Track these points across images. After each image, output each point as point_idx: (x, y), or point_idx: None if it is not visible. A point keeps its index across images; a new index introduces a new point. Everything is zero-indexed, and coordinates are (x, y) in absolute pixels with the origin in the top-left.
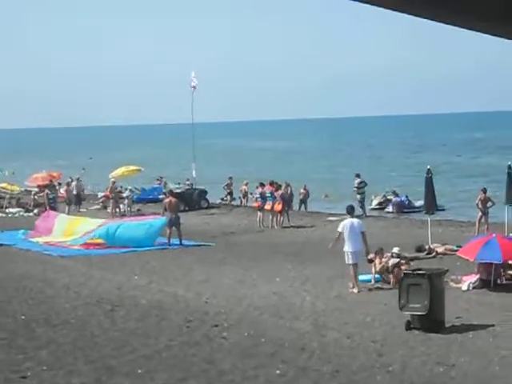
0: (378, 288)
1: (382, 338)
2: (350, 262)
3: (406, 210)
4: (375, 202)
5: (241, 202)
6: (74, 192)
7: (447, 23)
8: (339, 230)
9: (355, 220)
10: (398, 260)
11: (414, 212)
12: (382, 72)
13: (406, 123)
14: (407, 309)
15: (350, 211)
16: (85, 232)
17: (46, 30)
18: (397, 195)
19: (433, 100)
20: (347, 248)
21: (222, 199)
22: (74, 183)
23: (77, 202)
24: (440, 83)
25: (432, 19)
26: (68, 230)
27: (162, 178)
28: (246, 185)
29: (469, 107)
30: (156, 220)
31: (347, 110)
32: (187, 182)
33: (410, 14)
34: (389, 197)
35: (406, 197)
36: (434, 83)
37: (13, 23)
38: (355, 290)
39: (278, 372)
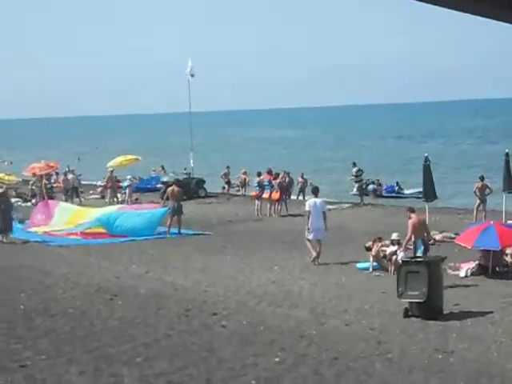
0: (376, 276)
1: (381, 325)
2: (310, 237)
3: (394, 195)
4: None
5: (239, 191)
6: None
7: (464, 11)
8: (306, 208)
9: (318, 200)
10: (396, 247)
11: (403, 198)
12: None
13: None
14: (405, 296)
15: (315, 191)
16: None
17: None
18: (373, 183)
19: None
20: (309, 225)
21: (224, 188)
22: (70, 175)
23: (76, 194)
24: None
25: (447, 7)
26: (72, 221)
27: (163, 166)
28: (245, 174)
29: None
30: (157, 210)
31: (353, 98)
32: (184, 171)
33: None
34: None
35: (397, 183)
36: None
37: None
38: (311, 259)
39: (276, 360)
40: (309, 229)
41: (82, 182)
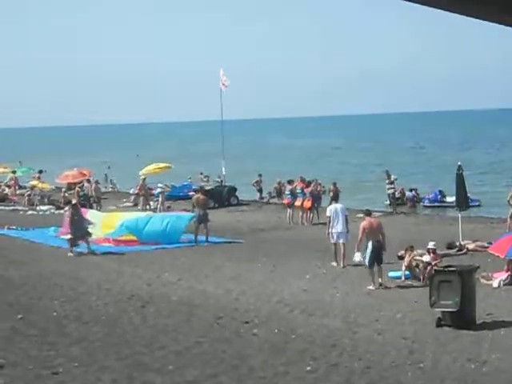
0: (408, 285)
1: (413, 334)
2: (333, 241)
3: (437, 205)
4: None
5: (274, 198)
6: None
7: (473, 16)
8: (327, 214)
9: (339, 205)
10: (430, 258)
11: (446, 207)
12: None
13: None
14: (438, 305)
15: (335, 197)
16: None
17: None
18: (410, 190)
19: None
20: (330, 229)
21: (270, 194)
22: (93, 185)
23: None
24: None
25: (457, 12)
26: (102, 227)
27: (202, 173)
28: (279, 183)
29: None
30: (183, 214)
31: (377, 107)
32: (217, 179)
33: (435, 7)
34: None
35: (440, 191)
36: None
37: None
38: (334, 264)
39: (308, 368)
40: (329, 233)
41: (116, 190)
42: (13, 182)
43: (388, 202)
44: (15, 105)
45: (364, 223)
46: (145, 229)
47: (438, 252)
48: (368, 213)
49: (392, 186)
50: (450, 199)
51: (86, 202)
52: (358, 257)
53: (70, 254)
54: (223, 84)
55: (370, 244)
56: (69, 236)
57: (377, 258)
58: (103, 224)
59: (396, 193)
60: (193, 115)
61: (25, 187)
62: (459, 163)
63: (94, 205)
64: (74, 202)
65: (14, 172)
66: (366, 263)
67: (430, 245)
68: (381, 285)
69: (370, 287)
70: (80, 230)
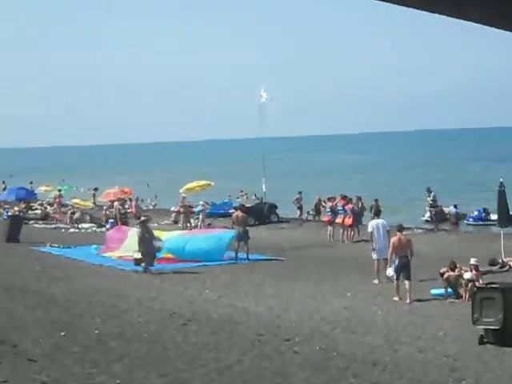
0: (450, 302)
1: (455, 352)
2: (375, 256)
3: (481, 223)
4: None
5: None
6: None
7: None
8: (369, 230)
9: (380, 221)
10: (472, 275)
11: (490, 225)
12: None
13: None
14: (480, 323)
15: (377, 213)
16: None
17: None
18: (455, 206)
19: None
20: (374, 245)
21: (308, 213)
22: (134, 203)
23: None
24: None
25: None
26: None
27: (242, 191)
28: (319, 200)
29: None
30: (225, 233)
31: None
32: (253, 197)
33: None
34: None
35: (484, 209)
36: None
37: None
38: (376, 281)
39: None
40: (374, 248)
41: (157, 207)
42: (57, 200)
43: (425, 219)
44: (64, 122)
45: (394, 239)
46: (185, 248)
47: (481, 269)
48: (400, 228)
49: (433, 202)
50: (495, 217)
51: (127, 219)
52: (390, 272)
53: (138, 272)
54: (264, 102)
55: (397, 260)
56: (137, 255)
57: (404, 273)
58: None
59: (437, 210)
60: (233, 133)
61: (67, 205)
62: (501, 180)
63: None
64: (142, 219)
65: (59, 191)
66: (394, 277)
67: (472, 261)
68: (410, 303)
69: (395, 298)
70: (148, 248)
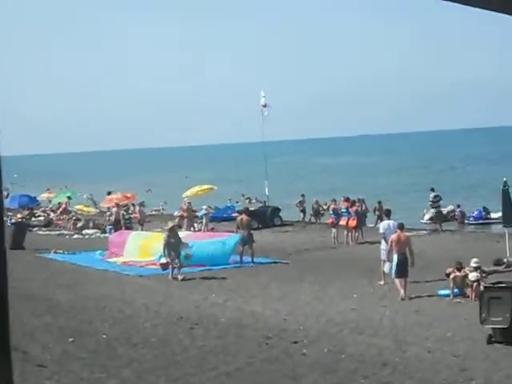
0: (457, 302)
1: (464, 352)
2: (383, 258)
3: (481, 222)
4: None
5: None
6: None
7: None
8: (380, 231)
9: (391, 222)
10: (478, 275)
11: (490, 223)
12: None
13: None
14: (488, 322)
15: (387, 213)
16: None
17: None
18: (458, 206)
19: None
20: (383, 246)
21: (311, 215)
22: (137, 208)
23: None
24: None
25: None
26: (144, 247)
27: (243, 195)
28: (317, 203)
29: None
30: (230, 237)
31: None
32: (253, 201)
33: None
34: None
35: (484, 208)
36: None
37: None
38: (381, 282)
39: None
40: (384, 249)
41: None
42: (64, 206)
43: (424, 221)
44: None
45: (393, 236)
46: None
47: (486, 269)
48: (400, 226)
49: (437, 203)
50: (494, 215)
51: (131, 224)
52: (387, 267)
53: (170, 278)
54: (263, 105)
55: (395, 257)
56: (163, 260)
57: (401, 270)
58: (142, 244)
59: (442, 210)
60: (235, 137)
61: (70, 211)
62: (505, 179)
63: (140, 227)
64: (170, 225)
65: (69, 198)
66: (393, 275)
67: (473, 262)
68: (403, 299)
69: (401, 294)
70: (174, 253)
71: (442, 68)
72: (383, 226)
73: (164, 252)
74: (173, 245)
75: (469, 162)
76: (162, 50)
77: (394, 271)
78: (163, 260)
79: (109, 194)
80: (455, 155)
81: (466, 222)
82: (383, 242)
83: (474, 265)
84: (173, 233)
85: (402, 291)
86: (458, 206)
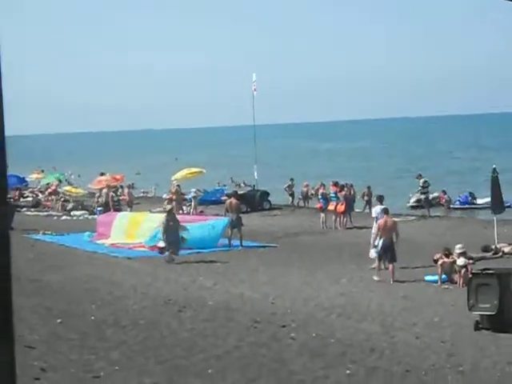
0: (444, 288)
1: (451, 338)
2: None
3: (467, 207)
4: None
5: (303, 201)
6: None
7: None
8: (373, 215)
9: (384, 207)
10: (466, 260)
11: (476, 209)
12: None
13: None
14: (476, 309)
15: (380, 199)
16: (149, 234)
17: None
18: (444, 193)
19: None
20: (374, 230)
21: (299, 199)
22: (126, 190)
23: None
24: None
25: None
26: (131, 227)
27: (231, 178)
28: (306, 186)
29: None
30: (218, 221)
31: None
32: (242, 185)
33: None
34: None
35: (470, 193)
36: None
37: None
38: (373, 266)
39: (348, 372)
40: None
41: (149, 196)
42: (53, 187)
43: (410, 204)
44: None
45: (380, 221)
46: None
47: (474, 255)
48: (386, 211)
49: (425, 189)
50: (481, 201)
51: (120, 206)
52: (373, 253)
53: (164, 260)
54: (255, 89)
55: (381, 241)
56: (161, 243)
57: (389, 255)
58: (128, 225)
59: (429, 196)
60: (224, 120)
61: (58, 193)
62: (494, 166)
63: (128, 209)
64: (169, 207)
65: (59, 180)
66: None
67: (457, 248)
68: (393, 282)
69: (375, 278)
70: (173, 236)
71: (430, 57)
72: (376, 210)
73: (163, 236)
74: (171, 228)
75: (459, 148)
76: (156, 32)
77: (377, 254)
78: (161, 244)
79: (102, 174)
80: (445, 141)
81: (451, 206)
82: (375, 226)
83: (459, 251)
84: (171, 216)
85: (377, 276)
86: (444, 192)
